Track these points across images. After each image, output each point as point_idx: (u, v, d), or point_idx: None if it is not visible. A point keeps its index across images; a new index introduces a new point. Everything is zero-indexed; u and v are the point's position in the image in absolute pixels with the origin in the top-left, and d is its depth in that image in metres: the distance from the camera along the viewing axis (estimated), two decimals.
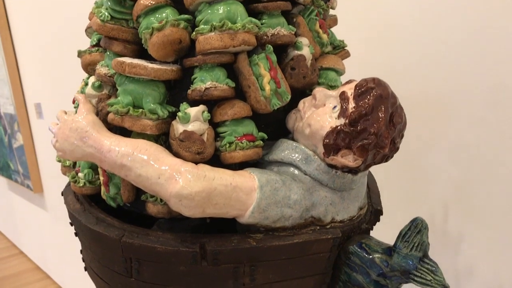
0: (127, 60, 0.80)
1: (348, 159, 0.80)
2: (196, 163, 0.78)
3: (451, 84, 1.19)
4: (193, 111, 0.79)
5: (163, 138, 0.85)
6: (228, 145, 0.81)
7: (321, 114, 0.82)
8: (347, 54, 1.02)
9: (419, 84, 1.22)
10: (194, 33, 0.81)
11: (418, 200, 1.27)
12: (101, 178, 0.87)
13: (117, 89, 0.85)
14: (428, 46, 1.21)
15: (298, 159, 0.83)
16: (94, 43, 0.92)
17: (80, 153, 0.79)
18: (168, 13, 0.81)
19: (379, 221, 0.96)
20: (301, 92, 0.91)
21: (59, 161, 0.99)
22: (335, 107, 0.81)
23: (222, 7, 0.79)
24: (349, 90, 0.81)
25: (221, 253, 0.78)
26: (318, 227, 0.84)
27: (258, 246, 0.79)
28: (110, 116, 0.82)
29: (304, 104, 0.85)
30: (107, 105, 0.85)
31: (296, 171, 0.83)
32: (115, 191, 0.86)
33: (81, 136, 0.78)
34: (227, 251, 0.78)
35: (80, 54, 0.93)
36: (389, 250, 0.84)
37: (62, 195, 0.99)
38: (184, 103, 0.81)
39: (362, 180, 0.88)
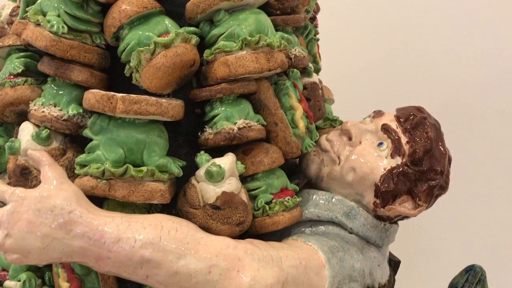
0: (117, 94, 0.51)
1: (407, 206, 0.64)
2: (234, 237, 0.54)
3: None
4: (227, 163, 0.54)
5: (158, 208, 0.57)
6: (267, 207, 0.58)
7: (365, 154, 0.65)
8: None
9: None
10: (209, 52, 0.56)
11: None
12: (64, 284, 0.53)
13: (84, 140, 0.55)
14: None
15: (340, 214, 0.64)
16: (19, 70, 0.58)
17: (61, 251, 0.46)
18: (169, 24, 0.55)
19: (395, 273, 0.81)
20: None
21: None
22: (380, 143, 0.65)
23: (250, 17, 0.57)
24: (391, 122, 0.66)
25: None
26: None
27: None
28: (87, 183, 0.51)
29: (332, 142, 0.67)
30: (75, 166, 0.53)
31: (339, 230, 0.64)
32: None
33: (63, 221, 0.46)
34: None
35: None
36: None
37: None
38: (202, 152, 0.56)
39: None
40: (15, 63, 0.59)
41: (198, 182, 0.54)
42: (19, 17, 0.61)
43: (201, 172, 0.54)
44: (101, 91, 0.51)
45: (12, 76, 0.58)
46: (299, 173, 0.73)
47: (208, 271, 0.48)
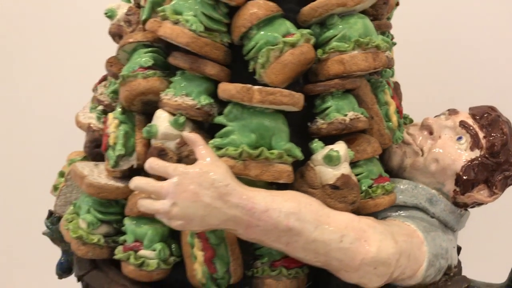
0: (253, 86, 0.59)
1: (483, 194, 0.72)
2: None
3: None
4: (342, 149, 0.61)
5: (274, 188, 0.64)
6: (370, 190, 0.65)
7: (446, 147, 0.72)
8: None
9: None
10: (321, 51, 0.64)
11: None
12: (198, 253, 0.60)
13: (215, 127, 0.62)
14: None
15: (423, 201, 0.72)
16: (150, 63, 0.65)
17: (219, 218, 0.53)
18: (289, 26, 0.62)
19: None
20: None
21: (79, 237, 0.67)
22: (460, 137, 0.73)
23: (359, 21, 0.64)
24: (468, 119, 0.74)
25: None
26: (446, 276, 0.73)
27: None
28: (226, 163, 0.58)
29: (414, 136, 0.75)
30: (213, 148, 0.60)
31: (422, 215, 0.72)
32: (224, 269, 0.60)
33: (221, 193, 0.53)
34: None
35: (126, 79, 0.65)
36: None
37: None
38: (316, 140, 0.63)
39: None
40: (145, 57, 0.66)
41: (315, 165, 0.61)
42: (145, 16, 0.68)
43: (318, 156, 0.61)
44: (240, 84, 0.58)
45: (142, 69, 0.65)
46: None
47: (340, 240, 0.55)
